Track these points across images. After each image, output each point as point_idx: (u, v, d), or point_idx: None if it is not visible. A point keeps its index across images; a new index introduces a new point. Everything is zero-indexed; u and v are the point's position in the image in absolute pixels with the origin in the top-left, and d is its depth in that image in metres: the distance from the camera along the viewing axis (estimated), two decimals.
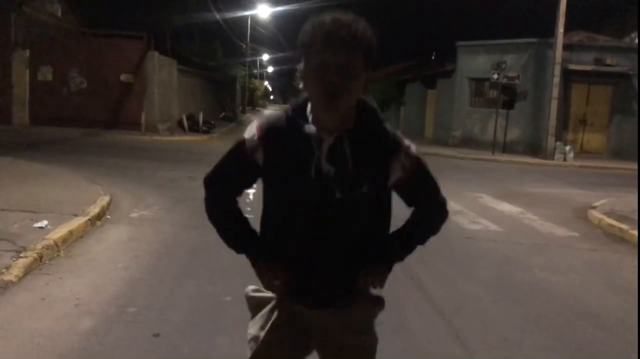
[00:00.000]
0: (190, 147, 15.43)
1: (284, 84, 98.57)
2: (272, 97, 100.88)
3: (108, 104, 18.52)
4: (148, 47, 18.90)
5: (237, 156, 1.55)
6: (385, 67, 33.86)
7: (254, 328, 1.63)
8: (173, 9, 24.86)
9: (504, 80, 17.65)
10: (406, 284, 4.34)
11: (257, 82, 60.64)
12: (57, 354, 2.91)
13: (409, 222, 1.65)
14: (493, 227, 6.77)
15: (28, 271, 4.06)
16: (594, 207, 7.90)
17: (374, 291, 1.63)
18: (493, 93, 18.78)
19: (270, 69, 74.52)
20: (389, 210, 1.61)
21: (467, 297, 4.17)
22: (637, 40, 18.17)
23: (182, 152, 13.94)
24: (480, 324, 3.64)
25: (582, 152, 17.92)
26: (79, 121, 17.68)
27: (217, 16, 27.90)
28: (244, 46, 37.65)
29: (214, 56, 29.81)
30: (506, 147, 17.77)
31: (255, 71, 56.62)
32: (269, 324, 1.59)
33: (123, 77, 18.68)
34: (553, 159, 16.66)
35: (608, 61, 17.90)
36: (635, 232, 6.31)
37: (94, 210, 5.82)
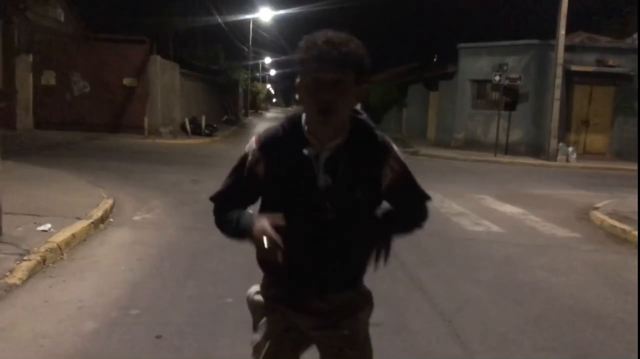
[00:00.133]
0: (193, 151, 15.48)
1: (287, 86, 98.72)
2: (274, 100, 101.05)
3: (111, 108, 18.60)
4: (150, 51, 18.99)
5: (241, 170, 1.61)
6: (387, 70, 33.90)
7: (257, 335, 1.70)
8: (175, 13, 24.97)
9: (506, 82, 17.65)
10: (407, 285, 4.36)
11: (259, 85, 60.77)
12: (61, 356, 2.94)
13: (392, 211, 1.69)
14: (495, 228, 6.78)
15: (32, 274, 4.09)
16: (597, 208, 7.90)
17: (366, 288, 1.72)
18: (495, 95, 18.77)
19: (272, 72, 74.69)
20: None
21: (467, 297, 4.18)
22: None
23: (185, 156, 13.99)
24: (480, 324, 3.65)
25: (585, 153, 17.89)
26: (82, 125, 17.77)
27: (219, 20, 28.02)
28: (246, 49, 37.78)
29: (216, 60, 29.89)
30: (508, 149, 17.76)
31: (257, 74, 56.81)
32: (269, 335, 1.66)
33: (126, 81, 18.77)
34: (555, 161, 16.65)
35: (610, 62, 17.89)
36: None
37: (97, 213, 5.86)
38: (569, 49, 17.32)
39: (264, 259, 1.55)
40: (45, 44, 18.38)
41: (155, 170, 10.48)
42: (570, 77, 17.74)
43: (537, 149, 17.72)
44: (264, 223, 1.47)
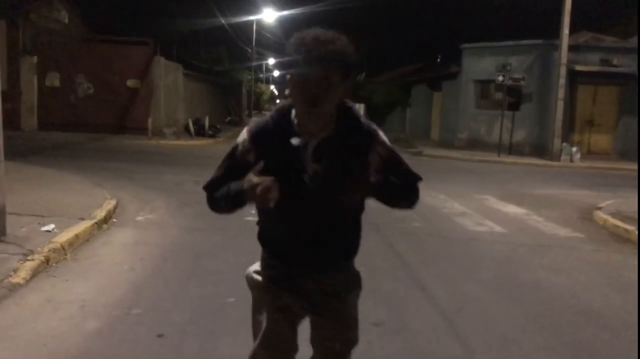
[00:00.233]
0: (196, 152, 15.52)
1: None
2: (278, 101, 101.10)
3: (115, 109, 18.69)
4: (154, 53, 19.07)
5: (233, 159, 1.70)
6: (391, 70, 33.90)
7: (256, 313, 1.82)
8: (178, 14, 25.04)
9: (510, 82, 17.61)
10: (408, 285, 4.37)
11: (263, 86, 60.83)
12: (63, 354, 2.96)
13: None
14: (497, 228, 6.77)
15: (35, 273, 4.12)
16: (600, 208, 7.88)
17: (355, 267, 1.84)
18: (498, 95, 18.74)
19: (276, 73, 74.70)
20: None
21: (468, 297, 4.19)
22: None
23: (188, 157, 14.03)
24: (481, 323, 3.66)
25: (589, 153, 17.84)
26: (86, 126, 17.87)
27: (223, 21, 28.07)
28: (249, 50, 37.82)
29: (219, 61, 29.95)
30: (512, 149, 17.73)
31: (261, 75, 56.83)
32: (266, 313, 1.77)
33: (129, 83, 18.87)
34: (559, 161, 16.60)
35: (614, 62, 17.83)
36: None
37: (100, 214, 5.89)
38: (573, 48, 17.28)
39: (260, 205, 1.61)
40: (50, 46, 18.49)
41: (158, 171, 10.52)
42: (574, 77, 17.69)
43: (540, 149, 17.68)
44: (250, 175, 1.54)
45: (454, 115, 20.60)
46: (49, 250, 4.50)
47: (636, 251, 5.92)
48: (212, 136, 20.23)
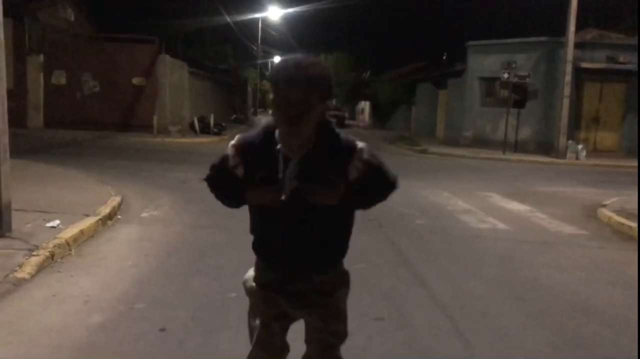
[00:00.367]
0: (201, 149, 15.56)
1: None
2: None
3: (120, 107, 18.79)
4: (159, 51, 19.15)
5: (224, 169, 1.84)
6: (396, 68, 33.85)
7: (251, 318, 1.97)
8: (184, 13, 25.10)
9: (515, 80, 17.57)
10: (409, 281, 4.38)
11: (268, 84, 60.85)
12: (68, 348, 3.00)
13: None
14: (501, 226, 6.77)
15: (40, 268, 4.17)
16: (604, 206, 7.86)
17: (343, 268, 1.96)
18: (504, 92, 18.69)
19: None
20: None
21: (470, 294, 4.20)
22: None
23: (193, 154, 14.07)
24: (482, 320, 3.67)
25: (595, 150, 17.77)
26: (91, 124, 17.97)
27: (228, 19, 28.11)
28: (255, 48, 37.87)
29: (225, 59, 30.02)
30: (518, 147, 17.69)
31: (266, 73, 56.81)
32: (260, 319, 1.91)
33: (135, 81, 18.95)
34: (565, 158, 16.55)
35: (621, 59, 17.74)
36: None
37: (105, 210, 5.93)
38: (579, 46, 17.20)
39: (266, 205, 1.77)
40: (56, 44, 18.60)
41: (163, 168, 10.57)
42: (580, 75, 17.62)
43: (546, 147, 17.62)
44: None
45: (459, 113, 20.57)
46: (54, 246, 4.55)
47: None
48: (217, 134, 20.29)
